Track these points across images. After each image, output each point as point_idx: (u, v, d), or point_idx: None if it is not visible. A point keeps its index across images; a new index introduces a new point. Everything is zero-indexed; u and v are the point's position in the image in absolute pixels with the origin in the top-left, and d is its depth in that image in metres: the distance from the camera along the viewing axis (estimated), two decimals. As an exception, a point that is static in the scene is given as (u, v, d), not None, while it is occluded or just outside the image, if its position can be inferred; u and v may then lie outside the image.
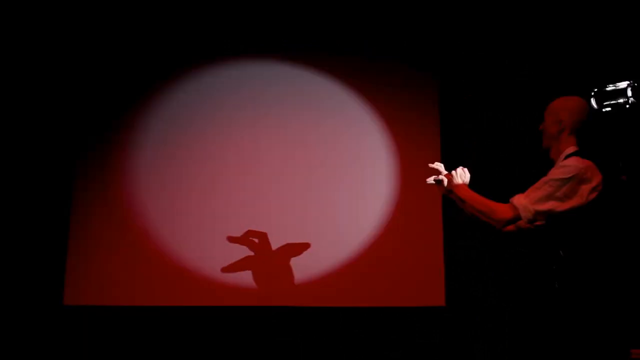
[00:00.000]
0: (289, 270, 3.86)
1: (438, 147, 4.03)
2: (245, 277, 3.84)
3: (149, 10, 4.06)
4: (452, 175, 2.61)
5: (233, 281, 3.83)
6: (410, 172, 4.02)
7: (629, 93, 2.21)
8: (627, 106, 2.21)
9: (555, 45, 3.93)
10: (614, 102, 2.24)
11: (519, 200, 2.34)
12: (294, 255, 3.88)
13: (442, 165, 2.71)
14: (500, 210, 2.38)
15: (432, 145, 4.04)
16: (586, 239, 2.27)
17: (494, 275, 3.86)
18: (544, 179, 2.33)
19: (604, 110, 2.28)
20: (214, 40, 4.10)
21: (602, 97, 2.27)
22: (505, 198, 2.56)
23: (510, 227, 2.46)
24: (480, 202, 2.45)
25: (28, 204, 3.86)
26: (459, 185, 2.57)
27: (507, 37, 4.02)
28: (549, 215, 2.27)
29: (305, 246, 3.89)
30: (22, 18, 3.96)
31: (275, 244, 3.88)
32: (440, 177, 2.65)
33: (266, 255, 3.87)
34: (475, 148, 3.96)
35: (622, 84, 2.23)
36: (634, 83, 2.21)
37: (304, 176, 3.99)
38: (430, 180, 2.68)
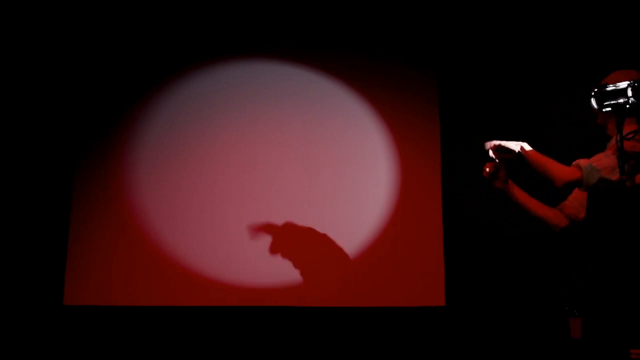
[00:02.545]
0: (289, 270, 3.86)
1: (438, 147, 4.03)
2: (245, 277, 3.84)
3: (149, 10, 4.07)
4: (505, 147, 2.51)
5: (233, 281, 3.83)
6: (410, 172, 4.02)
7: (629, 93, 2.21)
8: (627, 106, 2.21)
9: (555, 45, 3.93)
10: (614, 102, 2.24)
11: (585, 162, 2.32)
12: (294, 255, 3.88)
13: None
14: (565, 170, 2.37)
15: (432, 145, 4.04)
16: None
17: (494, 275, 3.86)
18: (609, 152, 2.31)
19: (604, 110, 2.28)
20: (214, 40, 4.10)
21: (602, 97, 2.27)
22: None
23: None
24: (545, 161, 2.41)
25: (28, 204, 3.86)
26: (521, 149, 2.48)
27: (507, 37, 4.02)
28: (609, 185, 2.24)
29: (305, 246, 3.89)
30: (22, 19, 3.97)
31: (275, 244, 3.88)
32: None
33: (266, 255, 3.87)
34: (475, 148, 3.96)
35: (622, 84, 2.23)
36: (634, 83, 2.21)
37: (303, 176, 3.99)
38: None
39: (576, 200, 2.59)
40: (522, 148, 2.52)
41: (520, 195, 2.62)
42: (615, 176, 2.26)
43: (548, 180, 2.41)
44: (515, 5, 4.01)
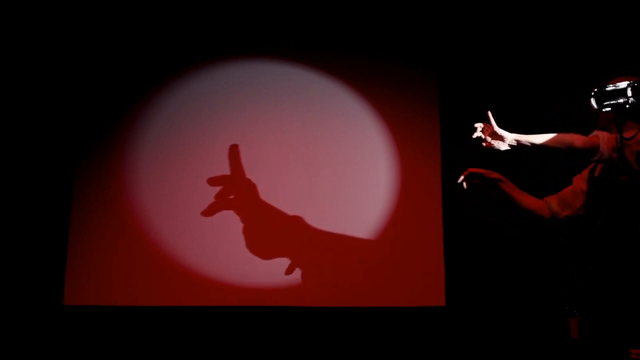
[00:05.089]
0: (289, 270, 3.86)
1: (438, 147, 4.03)
2: (245, 277, 3.84)
3: (149, 10, 4.07)
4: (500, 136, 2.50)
5: (233, 281, 3.83)
6: (410, 172, 4.02)
7: (629, 93, 2.21)
8: (627, 106, 2.21)
9: (555, 44, 3.93)
10: (614, 102, 2.24)
11: (601, 132, 2.36)
12: (294, 255, 3.88)
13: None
14: (583, 136, 2.38)
15: (432, 145, 4.04)
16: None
17: (493, 275, 3.86)
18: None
19: (603, 110, 2.28)
20: (214, 40, 4.10)
21: (602, 97, 2.27)
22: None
23: None
24: (555, 134, 2.41)
25: (28, 204, 3.86)
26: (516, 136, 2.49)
27: (507, 37, 4.02)
28: (619, 155, 2.27)
29: (305, 246, 3.89)
30: (22, 19, 3.97)
31: (275, 244, 3.88)
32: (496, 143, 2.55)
33: (266, 255, 3.87)
34: (475, 148, 3.96)
35: (622, 84, 2.23)
36: (634, 83, 2.21)
37: (303, 176, 3.98)
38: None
39: (561, 199, 2.58)
40: (517, 136, 2.49)
41: (507, 187, 2.60)
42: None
43: (563, 149, 2.36)
44: (515, 6, 4.00)
